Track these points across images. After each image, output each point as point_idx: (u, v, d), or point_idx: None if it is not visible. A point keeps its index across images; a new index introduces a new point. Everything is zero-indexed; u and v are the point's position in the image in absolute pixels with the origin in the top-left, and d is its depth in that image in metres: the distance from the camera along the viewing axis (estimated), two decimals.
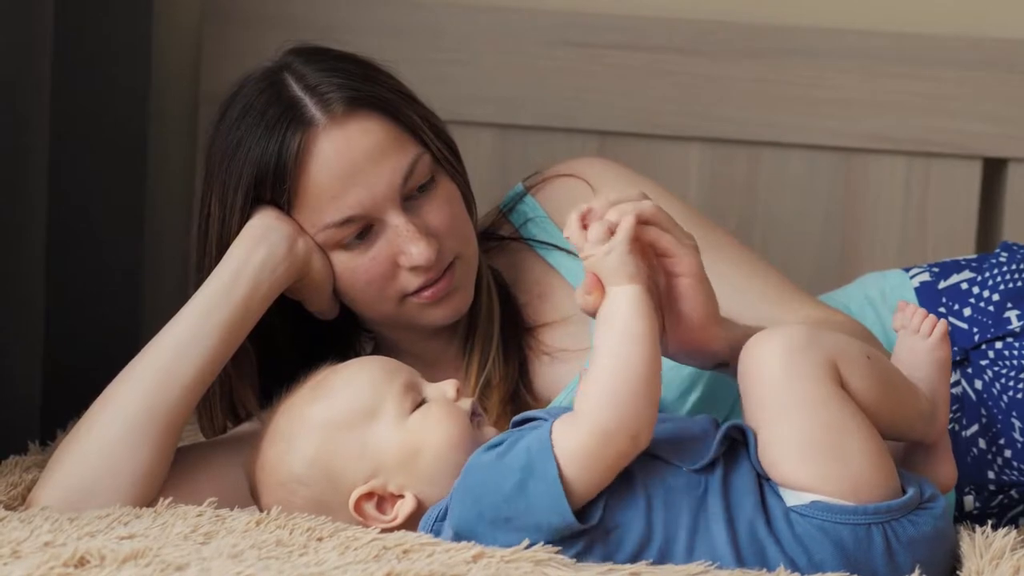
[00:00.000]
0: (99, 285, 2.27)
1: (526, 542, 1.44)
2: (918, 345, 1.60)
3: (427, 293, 1.76)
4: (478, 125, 2.46)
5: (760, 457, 1.49)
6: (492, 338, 1.83)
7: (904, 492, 1.49)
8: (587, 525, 1.45)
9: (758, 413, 1.50)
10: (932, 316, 1.61)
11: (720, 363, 1.61)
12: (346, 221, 1.73)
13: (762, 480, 1.49)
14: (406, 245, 1.74)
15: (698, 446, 1.51)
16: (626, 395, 1.45)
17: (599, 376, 1.47)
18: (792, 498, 1.47)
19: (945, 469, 1.59)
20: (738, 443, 1.52)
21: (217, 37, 2.50)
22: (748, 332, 1.57)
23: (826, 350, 1.50)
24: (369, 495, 1.54)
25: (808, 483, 1.47)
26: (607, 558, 1.46)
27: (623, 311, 1.48)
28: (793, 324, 1.55)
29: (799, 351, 1.50)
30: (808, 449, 1.47)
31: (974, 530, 1.54)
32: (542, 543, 1.45)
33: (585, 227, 1.51)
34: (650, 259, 1.55)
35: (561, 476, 1.44)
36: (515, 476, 1.45)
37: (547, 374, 1.83)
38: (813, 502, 1.46)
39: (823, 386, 1.48)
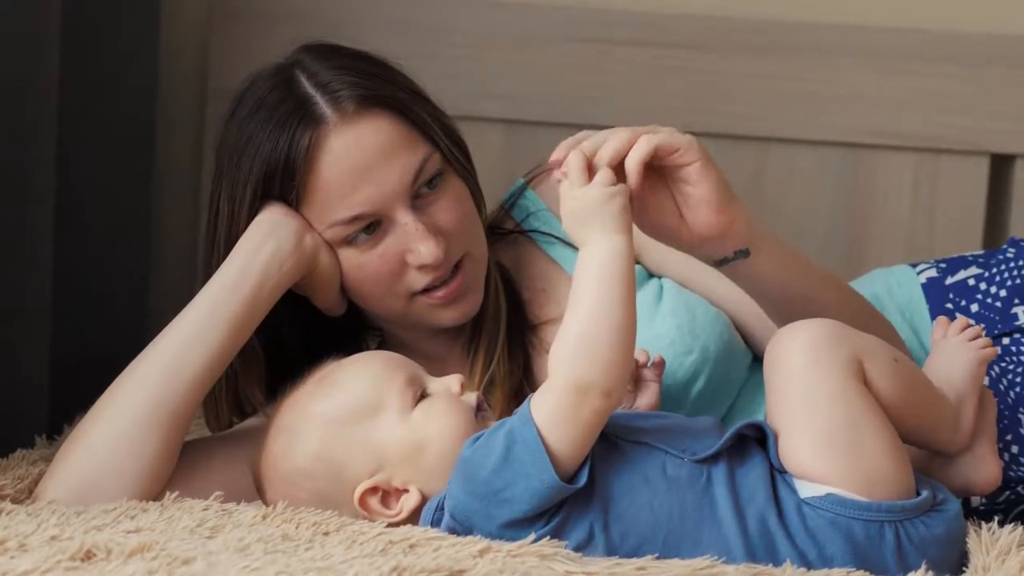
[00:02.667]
0: (106, 280, 2.27)
1: (532, 536, 1.45)
2: (957, 349, 1.63)
3: (440, 293, 1.76)
4: (486, 121, 2.46)
5: (779, 448, 1.50)
6: (498, 337, 1.83)
7: (918, 494, 1.50)
8: (574, 486, 1.45)
9: (780, 404, 1.51)
10: (973, 323, 1.66)
11: (740, 251, 1.61)
12: (355, 219, 1.73)
13: (775, 474, 1.50)
14: (414, 244, 1.74)
15: (701, 441, 1.51)
16: (602, 348, 1.46)
17: (576, 329, 1.47)
18: (807, 489, 1.48)
19: (986, 467, 1.60)
20: (748, 439, 1.52)
21: (225, 33, 2.50)
22: (763, 225, 1.62)
23: (852, 347, 1.52)
24: (373, 489, 1.54)
25: (824, 475, 1.47)
26: (611, 551, 1.46)
27: (610, 263, 1.48)
28: (820, 319, 1.56)
29: (825, 345, 1.51)
30: (826, 441, 1.48)
31: (980, 526, 1.54)
32: (535, 512, 1.45)
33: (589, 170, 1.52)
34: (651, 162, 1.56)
35: (542, 440, 1.45)
36: (500, 448, 1.46)
37: (547, 370, 1.83)
38: (828, 494, 1.47)
39: (846, 381, 1.49)
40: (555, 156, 1.55)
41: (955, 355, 1.63)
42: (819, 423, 1.48)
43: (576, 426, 1.46)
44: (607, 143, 1.55)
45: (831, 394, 1.49)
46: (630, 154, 1.54)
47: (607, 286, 1.47)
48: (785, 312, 1.68)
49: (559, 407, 1.46)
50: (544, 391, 1.48)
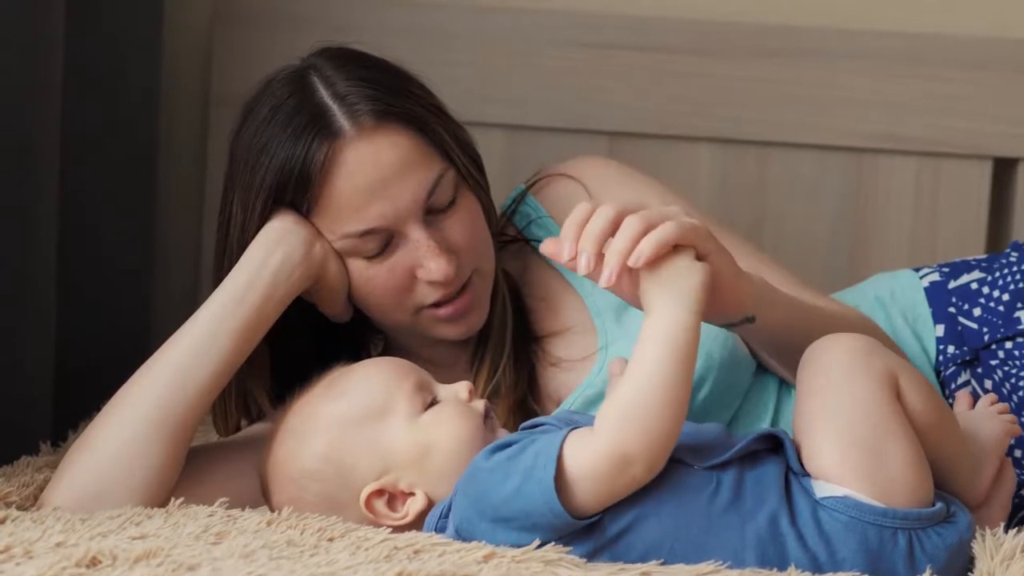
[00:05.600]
0: (109, 286, 2.27)
1: (537, 542, 1.45)
2: (984, 416, 1.67)
3: (446, 310, 1.76)
4: (488, 126, 2.45)
5: (802, 449, 1.50)
6: (504, 348, 1.82)
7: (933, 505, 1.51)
8: (585, 521, 1.45)
9: (811, 403, 1.52)
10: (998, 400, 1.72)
11: (747, 317, 1.61)
12: (366, 232, 1.73)
13: (791, 478, 1.50)
14: (425, 260, 1.73)
15: (710, 449, 1.51)
16: (655, 425, 1.44)
17: (633, 396, 1.45)
18: (825, 490, 1.48)
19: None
20: (759, 450, 1.52)
21: (227, 38, 2.50)
22: (765, 283, 1.62)
23: (889, 361, 1.53)
24: (380, 492, 1.54)
25: (844, 477, 1.48)
26: (617, 556, 1.46)
27: (678, 339, 1.45)
28: (860, 335, 1.57)
29: (864, 354, 1.52)
30: (851, 444, 1.48)
31: (985, 531, 1.54)
32: (546, 541, 1.45)
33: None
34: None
35: (562, 485, 1.43)
36: (516, 480, 1.45)
37: (552, 383, 1.84)
38: (845, 496, 1.47)
39: (879, 390, 1.50)
40: (567, 253, 1.49)
41: (982, 421, 1.66)
42: (847, 425, 1.49)
43: (610, 490, 1.45)
44: (624, 233, 1.48)
45: (863, 399, 1.50)
46: (651, 236, 1.48)
47: (673, 362, 1.45)
48: (788, 360, 1.69)
49: (598, 467, 1.44)
50: (586, 444, 1.45)
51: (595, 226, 1.50)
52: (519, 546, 1.45)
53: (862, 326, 1.77)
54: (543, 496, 1.44)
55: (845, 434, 1.49)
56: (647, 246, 1.47)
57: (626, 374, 1.46)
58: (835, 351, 1.53)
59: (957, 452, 1.58)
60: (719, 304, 1.57)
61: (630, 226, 1.49)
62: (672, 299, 1.47)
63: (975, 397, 1.80)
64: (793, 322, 1.68)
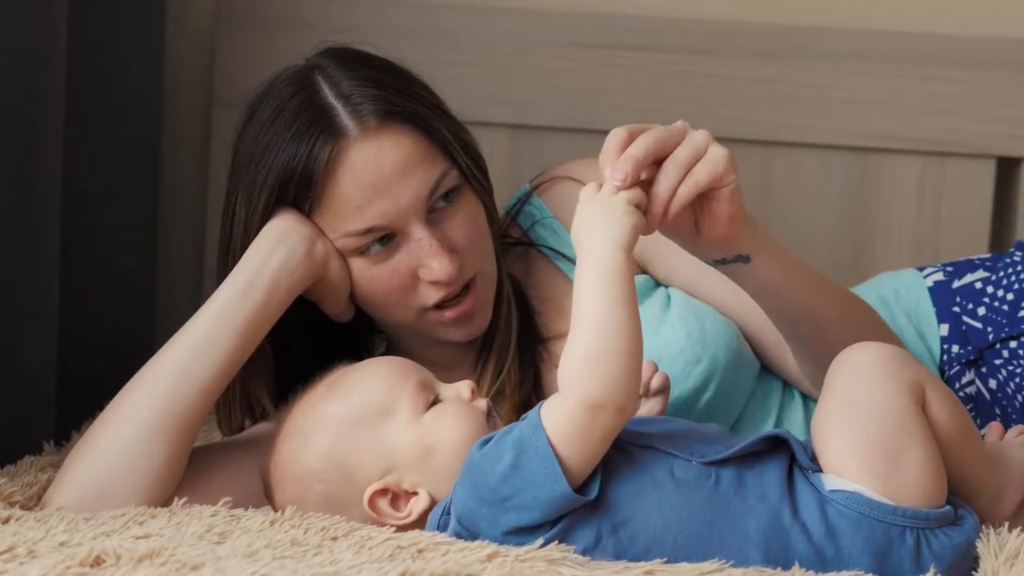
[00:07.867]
0: (113, 287, 2.28)
1: (540, 541, 1.45)
2: (1013, 447, 1.66)
3: (450, 313, 1.76)
4: (492, 126, 2.45)
5: (818, 443, 1.50)
6: (509, 348, 1.83)
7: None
8: (585, 497, 1.45)
9: (835, 400, 1.52)
10: None
11: (741, 255, 1.61)
12: (368, 231, 1.73)
13: (796, 473, 1.50)
14: (428, 259, 1.74)
15: (709, 445, 1.51)
16: (613, 366, 1.45)
17: (584, 346, 1.46)
18: (836, 483, 1.48)
19: None
20: (760, 451, 1.52)
21: (230, 40, 2.50)
22: (769, 234, 1.62)
23: (918, 373, 1.54)
24: (383, 492, 1.54)
25: (857, 473, 1.48)
26: (620, 553, 1.46)
27: (612, 278, 1.46)
28: (891, 344, 1.57)
29: (894, 363, 1.53)
30: (868, 442, 1.49)
31: (990, 530, 1.54)
32: (544, 521, 1.45)
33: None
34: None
35: (554, 450, 1.44)
36: (509, 456, 1.46)
37: (556, 383, 1.83)
38: (855, 492, 1.47)
39: (903, 395, 1.51)
40: (618, 176, 1.53)
41: (1010, 449, 1.66)
42: (865, 422, 1.49)
43: (588, 441, 1.45)
44: (651, 141, 1.56)
45: (885, 401, 1.50)
46: (681, 190, 1.53)
47: (612, 302, 1.46)
48: (784, 320, 1.68)
49: (571, 422, 1.45)
50: (555, 404, 1.47)
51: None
52: (520, 529, 1.45)
53: (865, 311, 1.76)
54: (542, 464, 1.44)
55: (863, 431, 1.49)
56: (676, 207, 1.53)
57: (572, 326, 1.47)
58: (865, 356, 1.54)
59: (980, 472, 1.58)
60: (722, 235, 1.58)
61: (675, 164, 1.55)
62: (603, 237, 1.48)
63: (1005, 427, 1.80)
64: (791, 280, 1.66)
